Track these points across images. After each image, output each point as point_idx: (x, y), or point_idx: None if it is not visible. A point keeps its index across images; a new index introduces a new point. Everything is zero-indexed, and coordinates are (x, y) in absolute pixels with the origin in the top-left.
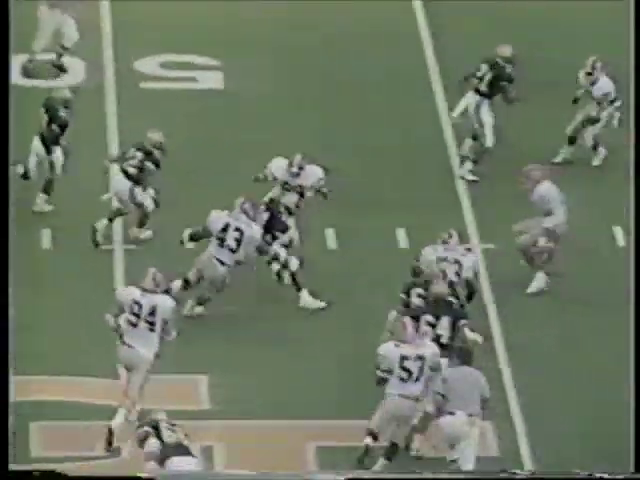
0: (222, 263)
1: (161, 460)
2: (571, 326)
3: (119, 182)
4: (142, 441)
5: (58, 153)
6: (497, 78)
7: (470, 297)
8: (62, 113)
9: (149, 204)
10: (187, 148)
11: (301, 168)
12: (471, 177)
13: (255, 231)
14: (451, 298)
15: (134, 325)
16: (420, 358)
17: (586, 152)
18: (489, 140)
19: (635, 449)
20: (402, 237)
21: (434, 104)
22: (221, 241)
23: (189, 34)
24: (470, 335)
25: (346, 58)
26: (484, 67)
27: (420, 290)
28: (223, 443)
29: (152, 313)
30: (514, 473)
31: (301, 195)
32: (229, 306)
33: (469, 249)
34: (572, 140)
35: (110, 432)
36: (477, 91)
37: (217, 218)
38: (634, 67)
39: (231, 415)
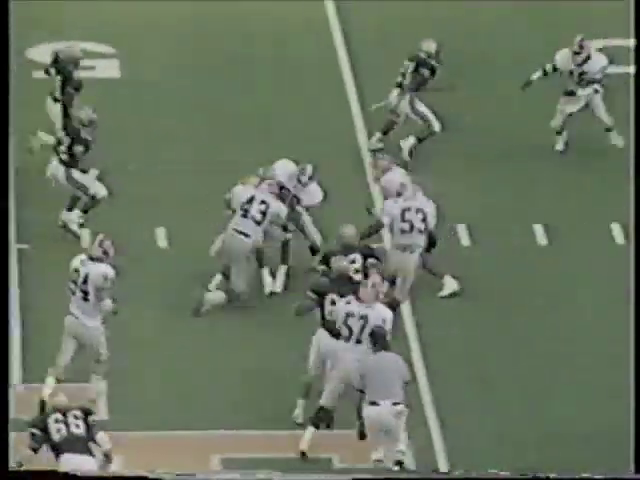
0: (245, 235)
1: (56, 456)
2: (490, 326)
3: (53, 166)
4: (32, 443)
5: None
6: (418, 66)
7: (429, 249)
8: (75, 74)
9: (98, 190)
10: None
11: (311, 178)
12: (408, 158)
13: (281, 207)
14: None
15: (73, 293)
16: (363, 318)
17: (506, 148)
18: (436, 126)
19: (635, 449)
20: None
21: (345, 98)
22: (245, 212)
23: (82, 21)
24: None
25: (250, 49)
26: (406, 63)
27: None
28: (122, 455)
29: (85, 281)
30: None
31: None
32: (132, 314)
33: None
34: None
35: None
36: (402, 87)
37: (243, 190)
38: (634, 66)
39: (130, 426)
